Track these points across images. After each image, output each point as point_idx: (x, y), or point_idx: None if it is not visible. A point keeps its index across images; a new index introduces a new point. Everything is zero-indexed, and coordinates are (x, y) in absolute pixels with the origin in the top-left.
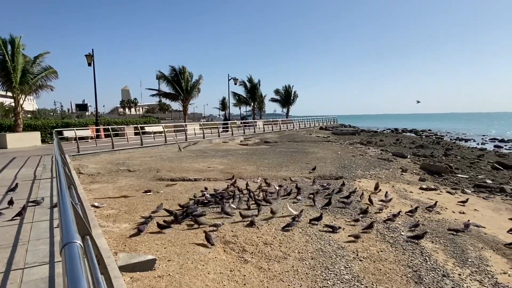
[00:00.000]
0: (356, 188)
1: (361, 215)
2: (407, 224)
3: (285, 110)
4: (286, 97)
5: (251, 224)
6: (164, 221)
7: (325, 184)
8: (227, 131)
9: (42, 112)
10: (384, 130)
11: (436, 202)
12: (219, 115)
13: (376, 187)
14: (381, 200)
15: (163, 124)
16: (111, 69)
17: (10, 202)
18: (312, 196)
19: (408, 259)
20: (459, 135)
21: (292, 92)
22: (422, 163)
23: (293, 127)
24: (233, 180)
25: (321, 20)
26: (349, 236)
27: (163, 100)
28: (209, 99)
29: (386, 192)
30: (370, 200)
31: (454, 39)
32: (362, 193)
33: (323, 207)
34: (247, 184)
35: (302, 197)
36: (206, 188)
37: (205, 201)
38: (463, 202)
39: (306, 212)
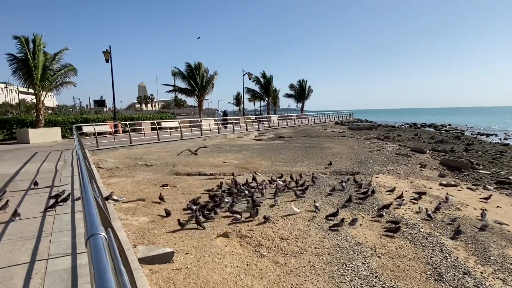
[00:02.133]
0: (373, 184)
1: (383, 210)
2: (430, 220)
3: (299, 105)
4: (300, 92)
5: (266, 219)
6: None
7: (343, 180)
8: (226, 127)
9: (62, 108)
10: (402, 125)
11: (448, 197)
12: (218, 111)
13: (393, 190)
14: (399, 197)
15: (179, 120)
16: (128, 66)
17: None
18: (329, 191)
19: (428, 256)
20: (480, 129)
21: (307, 87)
22: (442, 159)
23: (308, 122)
24: (252, 176)
25: (335, 9)
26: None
27: (179, 95)
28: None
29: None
30: (397, 198)
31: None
32: (372, 189)
33: (343, 205)
34: (253, 179)
35: (320, 194)
36: (221, 184)
37: (220, 197)
38: (486, 198)
39: (322, 208)
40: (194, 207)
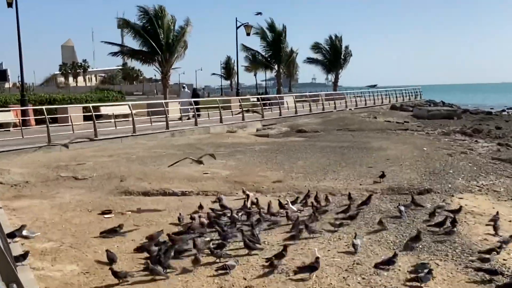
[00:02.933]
0: (454, 208)
1: (474, 254)
2: None
3: (331, 77)
4: (333, 56)
5: (272, 266)
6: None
7: (403, 203)
8: (200, 115)
9: None
10: (503, 111)
11: None
12: (184, 88)
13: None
14: (498, 230)
15: (129, 103)
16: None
17: None
18: (382, 221)
19: None
20: None
21: (343, 48)
22: None
23: (346, 106)
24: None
25: None
26: None
27: (130, 63)
28: (204, 61)
29: None
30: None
31: None
32: (453, 219)
33: (405, 244)
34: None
35: (366, 226)
36: (201, 207)
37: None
38: None
39: (369, 249)
40: (152, 249)
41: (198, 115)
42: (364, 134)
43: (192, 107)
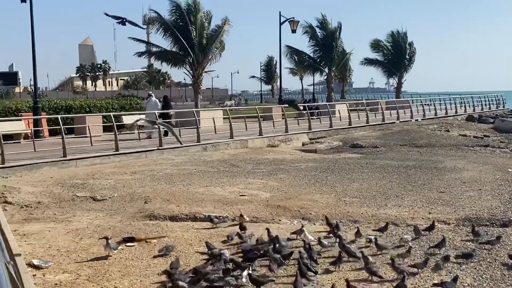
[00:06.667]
0: None
1: None
2: None
3: (393, 81)
4: (395, 55)
5: None
6: None
7: (487, 238)
8: (165, 132)
9: None
10: None
11: None
12: (151, 96)
13: None
14: None
15: (156, 111)
16: (62, 8)
17: None
18: (455, 260)
19: None
20: None
21: (407, 45)
22: None
23: (411, 116)
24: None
25: None
26: None
27: (156, 64)
28: (241, 63)
29: None
30: None
31: None
32: None
33: None
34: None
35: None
36: (230, 238)
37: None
38: None
39: None
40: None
41: (165, 133)
42: (434, 151)
43: (160, 121)
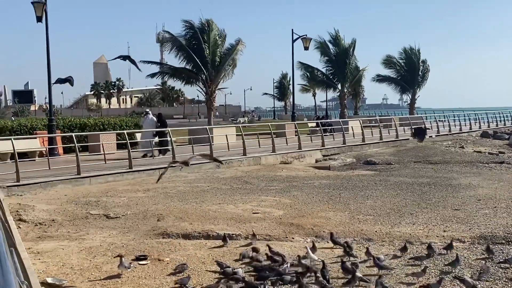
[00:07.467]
0: None
1: None
2: None
3: (406, 97)
4: (407, 72)
5: None
6: None
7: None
8: (164, 151)
9: None
10: None
11: None
12: (148, 112)
13: None
14: None
15: (169, 129)
16: (77, 27)
17: None
18: (471, 282)
19: None
20: None
21: (420, 62)
22: None
23: (425, 133)
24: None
25: None
26: None
27: (170, 82)
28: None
29: None
30: None
31: None
32: None
33: None
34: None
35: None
36: (243, 256)
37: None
38: None
39: None
40: None
41: (164, 152)
42: (449, 168)
43: (156, 139)
